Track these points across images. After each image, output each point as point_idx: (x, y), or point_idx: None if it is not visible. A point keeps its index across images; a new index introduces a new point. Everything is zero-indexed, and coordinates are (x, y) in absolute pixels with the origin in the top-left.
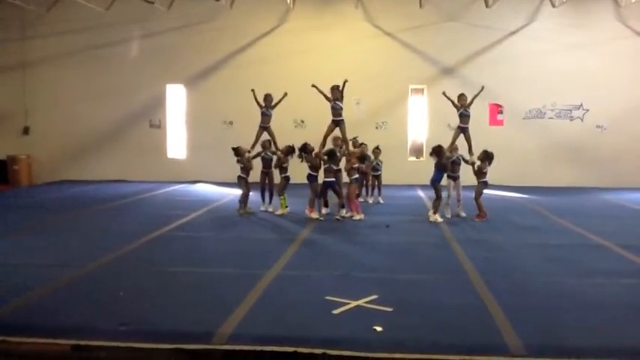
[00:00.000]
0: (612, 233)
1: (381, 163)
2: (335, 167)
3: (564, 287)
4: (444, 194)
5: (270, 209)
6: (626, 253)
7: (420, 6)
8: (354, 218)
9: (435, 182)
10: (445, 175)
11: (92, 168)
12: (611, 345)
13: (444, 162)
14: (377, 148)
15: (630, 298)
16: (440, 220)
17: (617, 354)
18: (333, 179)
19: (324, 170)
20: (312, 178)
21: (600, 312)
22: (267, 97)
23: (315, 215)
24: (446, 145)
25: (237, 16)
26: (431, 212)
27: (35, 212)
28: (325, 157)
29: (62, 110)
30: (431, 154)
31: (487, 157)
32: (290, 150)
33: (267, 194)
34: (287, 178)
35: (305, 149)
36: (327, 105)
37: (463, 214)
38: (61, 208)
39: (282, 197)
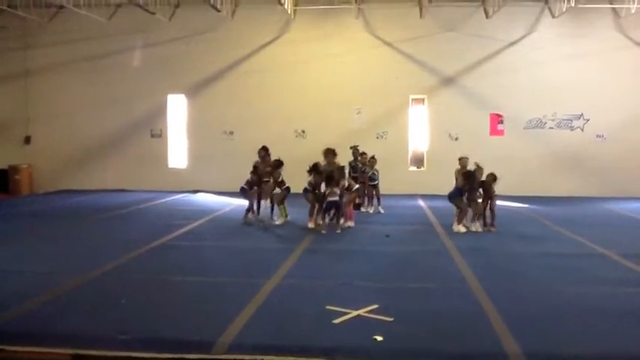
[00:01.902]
0: (613, 242)
1: (377, 172)
2: (337, 190)
3: (564, 295)
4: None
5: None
6: (627, 262)
7: (421, 16)
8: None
9: (451, 198)
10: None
11: (93, 177)
12: (611, 353)
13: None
14: (372, 157)
15: (630, 306)
16: (480, 229)
17: None
18: (337, 199)
19: (328, 193)
20: (307, 191)
21: (600, 320)
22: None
23: (311, 225)
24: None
25: (238, 26)
26: (473, 223)
27: (36, 221)
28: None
29: (63, 120)
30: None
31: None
32: (278, 164)
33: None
34: (288, 189)
35: (316, 169)
36: (327, 115)
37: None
38: (62, 217)
39: (281, 207)
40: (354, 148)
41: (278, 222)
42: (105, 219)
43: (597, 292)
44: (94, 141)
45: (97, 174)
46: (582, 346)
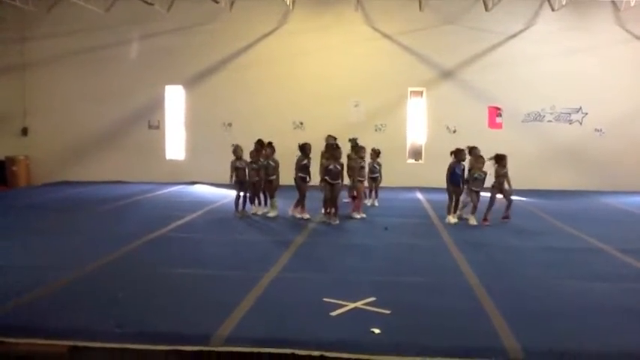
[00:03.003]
0: (612, 237)
1: (379, 165)
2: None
3: (563, 291)
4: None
5: (268, 212)
6: (626, 257)
7: (420, 9)
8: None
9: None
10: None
11: (91, 169)
12: (611, 349)
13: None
14: (373, 150)
15: (629, 302)
16: (476, 222)
17: (617, 358)
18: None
19: (335, 173)
20: (302, 180)
21: (599, 316)
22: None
23: (302, 215)
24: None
25: (237, 17)
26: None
27: (34, 213)
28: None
29: (61, 111)
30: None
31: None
32: (273, 150)
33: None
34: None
35: (303, 149)
36: (326, 107)
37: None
38: (60, 209)
39: (273, 200)
40: (353, 141)
41: (271, 214)
42: (102, 211)
43: (596, 287)
44: (91, 132)
45: (95, 165)
46: (580, 342)
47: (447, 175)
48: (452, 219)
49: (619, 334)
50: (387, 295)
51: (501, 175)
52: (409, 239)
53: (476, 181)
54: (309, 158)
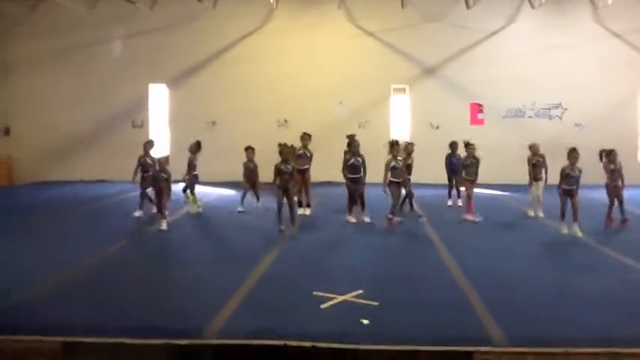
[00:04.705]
0: (590, 229)
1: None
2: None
3: (546, 282)
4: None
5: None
6: (607, 249)
7: (402, 7)
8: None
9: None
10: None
11: (74, 168)
12: (591, 335)
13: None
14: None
15: (610, 291)
16: (580, 233)
17: (597, 344)
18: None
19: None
20: (355, 181)
21: (581, 305)
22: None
23: (352, 219)
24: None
25: (220, 16)
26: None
27: (17, 213)
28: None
29: (44, 110)
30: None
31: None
32: (197, 146)
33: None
34: (196, 177)
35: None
36: (310, 105)
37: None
38: (44, 209)
39: (190, 195)
40: (351, 138)
41: (192, 211)
42: (87, 210)
43: (576, 278)
44: (75, 132)
45: (78, 165)
46: (562, 330)
47: (445, 166)
48: (450, 202)
49: (599, 321)
50: (374, 288)
51: (611, 171)
52: (395, 234)
53: (568, 178)
54: (359, 156)
